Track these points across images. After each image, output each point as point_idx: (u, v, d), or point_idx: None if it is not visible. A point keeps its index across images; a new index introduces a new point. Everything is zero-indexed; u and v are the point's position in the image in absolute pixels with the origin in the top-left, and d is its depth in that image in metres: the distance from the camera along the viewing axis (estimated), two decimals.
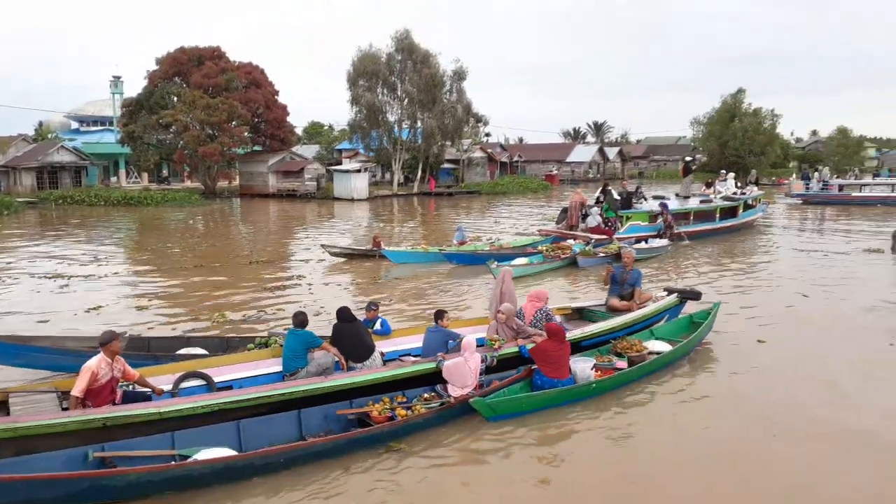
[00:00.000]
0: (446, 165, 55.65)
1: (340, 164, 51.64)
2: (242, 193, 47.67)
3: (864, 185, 39.09)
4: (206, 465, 5.44)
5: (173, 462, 5.58)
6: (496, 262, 15.02)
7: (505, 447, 6.33)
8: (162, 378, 6.99)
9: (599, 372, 7.76)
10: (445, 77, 48.02)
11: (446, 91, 48.58)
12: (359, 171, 44.85)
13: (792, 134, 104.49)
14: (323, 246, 18.73)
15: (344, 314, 7.91)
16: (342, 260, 17.81)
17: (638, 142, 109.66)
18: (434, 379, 7.33)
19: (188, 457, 5.63)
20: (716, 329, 9.90)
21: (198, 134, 40.52)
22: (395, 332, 9.06)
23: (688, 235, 20.57)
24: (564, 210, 21.19)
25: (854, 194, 36.77)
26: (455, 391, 7.09)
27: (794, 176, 44.40)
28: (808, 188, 39.08)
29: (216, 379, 7.22)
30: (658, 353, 8.50)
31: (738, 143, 63.70)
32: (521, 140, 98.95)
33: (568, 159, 74.99)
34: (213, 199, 43.63)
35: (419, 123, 48.10)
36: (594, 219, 19.75)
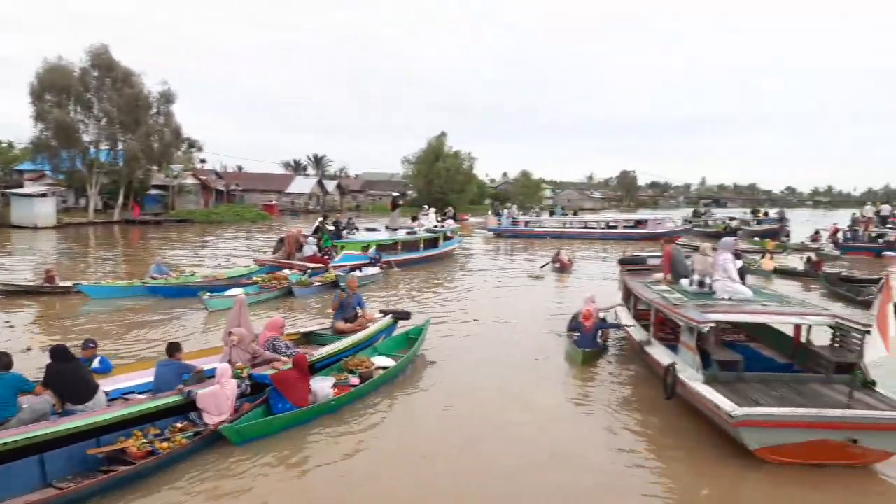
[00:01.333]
0: (154, 192, 51.58)
1: (22, 186, 44.52)
2: None
3: (543, 221, 44.95)
4: None
5: None
6: (209, 294, 14.66)
7: (256, 468, 6.63)
8: None
9: (337, 389, 8.44)
10: (151, 98, 44.84)
11: (154, 113, 45.34)
12: (44, 195, 39.32)
13: (487, 175, 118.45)
14: None
15: (60, 353, 7.25)
16: (16, 297, 15.55)
17: (356, 176, 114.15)
18: (181, 410, 7.26)
19: None
20: (428, 340, 11.43)
21: None
22: (117, 369, 8.68)
23: (398, 263, 22.25)
24: (281, 240, 21.40)
25: (536, 229, 41.77)
26: (211, 419, 7.12)
27: (489, 212, 49.98)
28: (500, 223, 43.22)
29: None
30: (384, 368, 9.55)
31: (442, 181, 70.37)
32: (240, 168, 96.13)
33: (288, 190, 75.06)
34: None
35: (120, 145, 43.98)
36: (310, 248, 20.31)
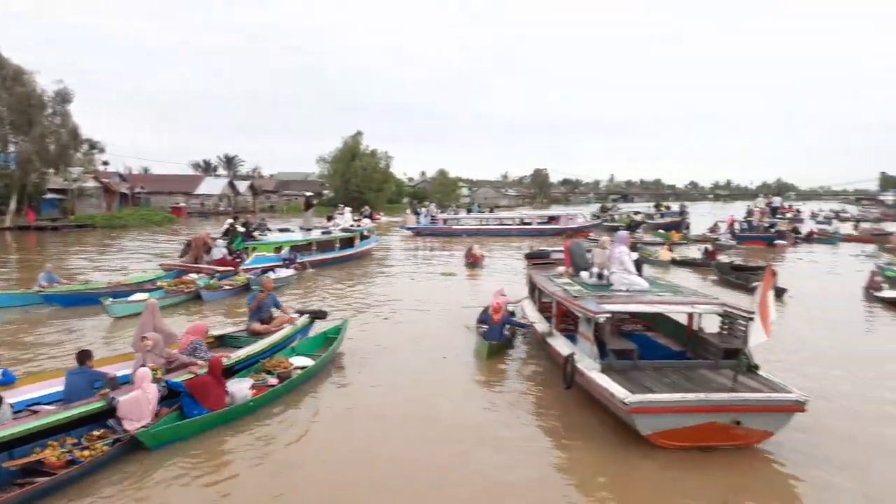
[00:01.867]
0: (51, 196, 48.60)
1: None
2: None
3: (461, 218, 45.53)
4: None
5: None
6: (111, 300, 14.16)
7: (175, 471, 6.66)
8: None
9: (256, 390, 8.47)
10: (46, 97, 42.30)
11: (49, 113, 42.78)
12: None
13: (405, 174, 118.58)
14: None
15: None
16: None
17: (271, 176, 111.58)
18: (96, 419, 7.13)
19: None
20: (347, 340, 11.57)
21: None
22: (21, 380, 8.36)
23: (312, 264, 22.06)
24: (188, 244, 20.78)
25: (455, 227, 42.23)
26: (132, 425, 7.05)
27: (408, 210, 50.05)
28: (419, 222, 43.51)
29: None
30: (303, 368, 9.63)
31: (359, 180, 69.97)
32: (146, 170, 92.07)
33: (197, 191, 72.55)
34: None
35: (12, 147, 41.25)
36: (219, 251, 19.86)
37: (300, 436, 7.71)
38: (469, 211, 53.70)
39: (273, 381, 8.98)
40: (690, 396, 7.07)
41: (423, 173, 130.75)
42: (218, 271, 18.50)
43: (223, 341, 10.88)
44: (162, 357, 8.57)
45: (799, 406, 7.10)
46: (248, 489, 6.38)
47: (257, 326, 11.14)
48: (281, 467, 6.86)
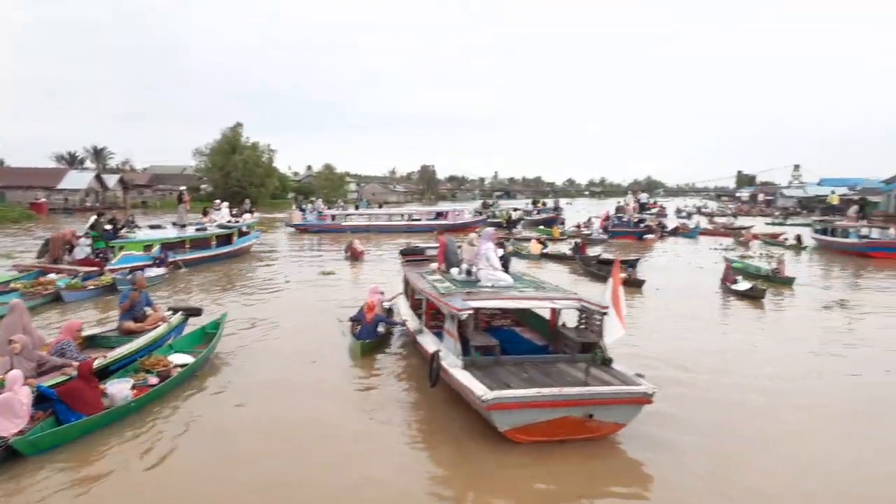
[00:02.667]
0: None
1: None
2: None
3: (349, 215, 44.34)
4: None
5: None
6: None
7: (57, 477, 6.50)
8: None
9: (137, 390, 8.33)
10: None
11: None
12: None
13: (290, 168, 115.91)
14: None
15: None
16: None
17: (144, 170, 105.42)
18: None
19: None
20: (226, 336, 11.56)
21: None
22: None
23: (186, 263, 21.25)
24: (47, 242, 19.42)
25: (343, 223, 41.11)
26: (7, 430, 6.77)
27: (293, 206, 48.67)
28: (305, 218, 41.88)
29: None
30: (183, 366, 9.50)
31: (239, 174, 67.72)
32: (1, 163, 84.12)
33: (60, 186, 67.10)
34: None
35: None
36: (82, 250, 18.77)
37: (179, 434, 7.67)
38: (357, 207, 53.32)
39: (154, 380, 8.84)
40: (545, 391, 7.15)
41: (309, 167, 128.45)
42: (81, 271, 17.49)
43: (94, 342, 10.48)
44: (33, 360, 8.16)
45: (646, 398, 7.38)
46: (127, 493, 6.31)
47: (131, 325, 10.81)
48: (160, 471, 6.79)
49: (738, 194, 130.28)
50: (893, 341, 13.05)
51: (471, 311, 8.48)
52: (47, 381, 7.89)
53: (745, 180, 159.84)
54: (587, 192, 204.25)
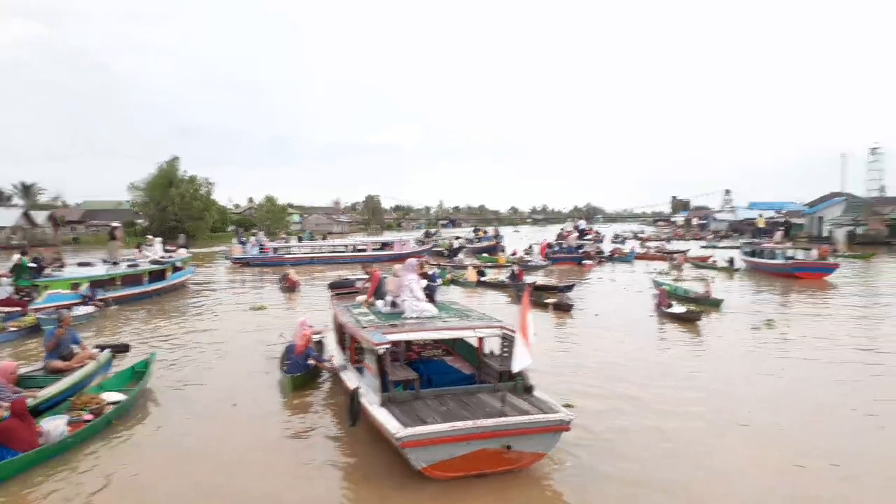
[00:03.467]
0: None
1: None
2: None
3: (292, 247, 43.53)
4: None
5: None
6: None
7: None
8: None
9: (72, 426, 8.40)
10: None
11: None
12: None
13: (230, 200, 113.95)
14: None
15: None
16: None
17: (77, 205, 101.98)
18: None
19: None
20: (156, 374, 11.50)
21: None
22: None
23: (117, 300, 20.73)
24: None
25: (286, 256, 40.07)
26: None
27: (234, 240, 47.37)
28: (245, 251, 40.42)
29: None
30: (116, 403, 9.50)
31: (176, 208, 66.33)
32: None
33: None
34: None
35: None
36: (4, 290, 18.10)
37: (114, 470, 7.71)
38: (300, 239, 52.54)
39: (88, 416, 8.87)
40: (459, 425, 6.85)
41: (250, 199, 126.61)
42: (2, 312, 16.83)
43: (20, 382, 10.13)
44: None
45: (564, 426, 7.20)
46: None
47: (58, 364, 10.64)
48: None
49: (673, 219, 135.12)
50: (814, 352, 13.97)
51: (387, 346, 8.20)
52: None
53: (679, 205, 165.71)
54: (530, 220, 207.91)
